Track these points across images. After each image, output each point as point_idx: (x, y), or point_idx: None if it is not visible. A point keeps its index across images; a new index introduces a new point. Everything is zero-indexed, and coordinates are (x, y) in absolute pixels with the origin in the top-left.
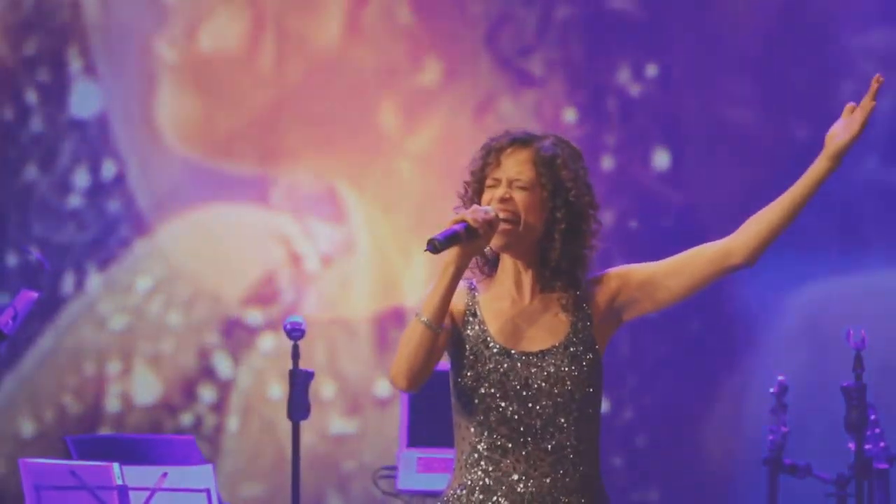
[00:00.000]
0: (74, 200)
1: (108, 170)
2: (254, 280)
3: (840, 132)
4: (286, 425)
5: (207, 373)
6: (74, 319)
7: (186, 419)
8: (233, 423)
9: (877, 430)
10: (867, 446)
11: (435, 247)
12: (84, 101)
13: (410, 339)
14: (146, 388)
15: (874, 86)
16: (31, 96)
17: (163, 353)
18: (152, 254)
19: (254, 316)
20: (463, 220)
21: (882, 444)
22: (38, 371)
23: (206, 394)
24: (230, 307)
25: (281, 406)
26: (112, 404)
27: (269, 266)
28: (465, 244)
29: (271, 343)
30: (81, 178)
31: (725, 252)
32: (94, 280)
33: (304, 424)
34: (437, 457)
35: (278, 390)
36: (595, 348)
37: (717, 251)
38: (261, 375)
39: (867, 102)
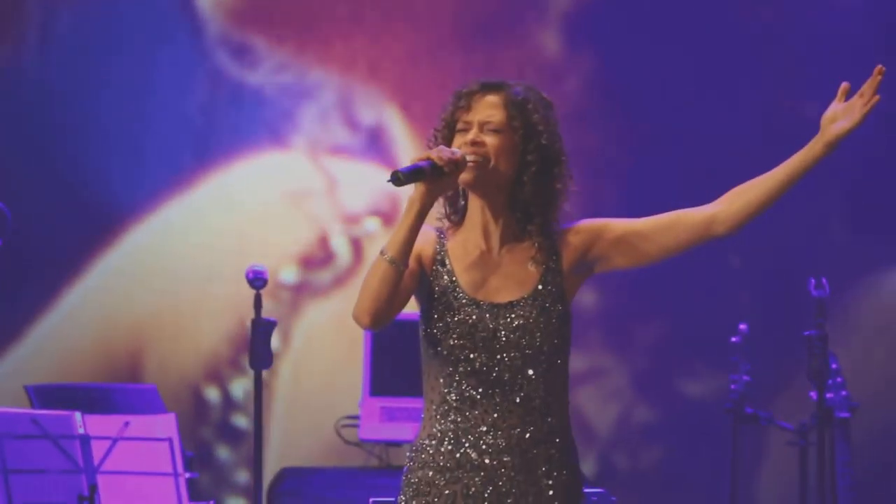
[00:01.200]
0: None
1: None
2: (305, 240)
3: (839, 118)
4: (332, 398)
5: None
6: (111, 281)
7: (236, 390)
8: (280, 393)
9: (839, 380)
10: (828, 395)
11: (398, 178)
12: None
13: (374, 277)
14: (189, 356)
15: (877, 78)
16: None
17: (205, 320)
18: (192, 211)
19: (302, 277)
20: (428, 158)
21: (843, 393)
22: (77, 334)
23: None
24: (277, 271)
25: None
26: (153, 372)
27: (321, 223)
28: (430, 182)
29: (323, 309)
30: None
31: (709, 221)
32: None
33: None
34: (400, 406)
35: (328, 359)
36: (564, 300)
37: (700, 219)
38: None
39: (870, 94)
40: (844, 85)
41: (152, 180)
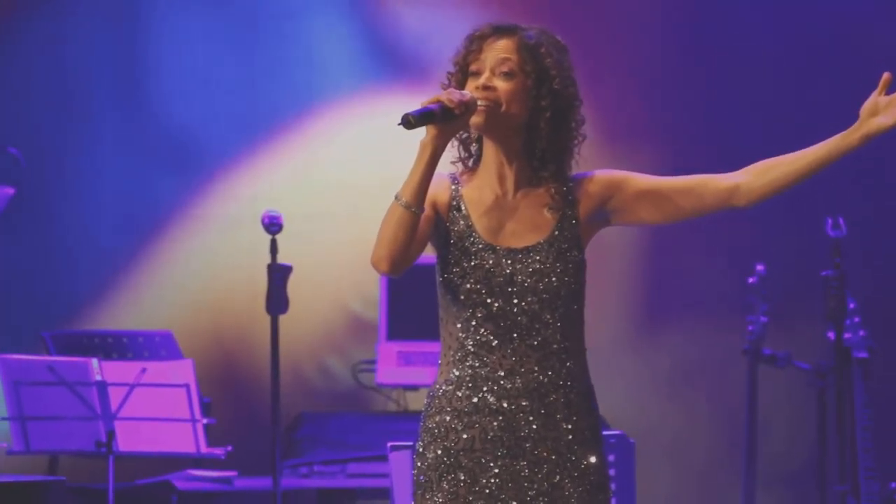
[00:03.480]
0: None
1: None
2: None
3: (880, 112)
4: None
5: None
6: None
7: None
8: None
9: (856, 319)
10: (846, 336)
11: (409, 122)
12: None
13: (390, 222)
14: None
15: None
16: None
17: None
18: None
19: None
20: (438, 101)
21: (861, 333)
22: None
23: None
24: None
25: None
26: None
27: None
28: (441, 124)
29: None
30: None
31: (732, 191)
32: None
33: None
34: (416, 350)
35: None
36: (580, 246)
37: (724, 188)
38: None
39: None
40: (886, 76)
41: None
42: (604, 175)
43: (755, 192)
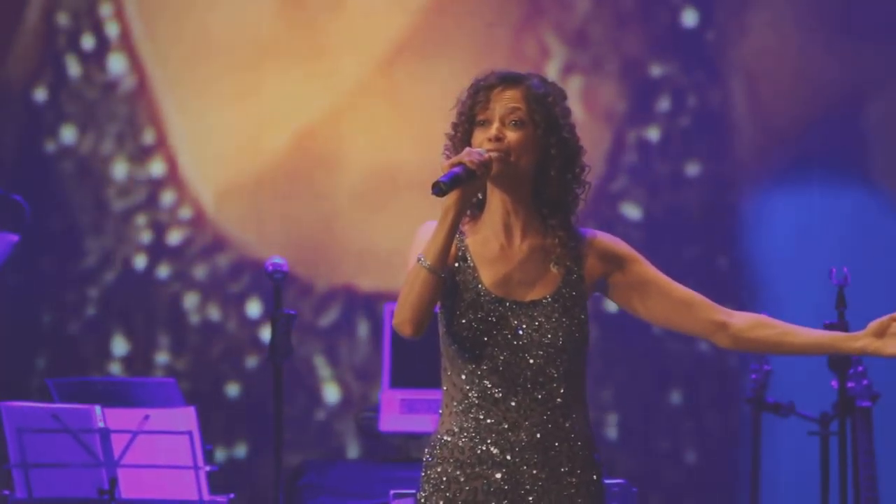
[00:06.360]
0: None
1: None
2: None
3: (889, 337)
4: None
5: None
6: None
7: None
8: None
9: (860, 368)
10: (850, 384)
11: (441, 189)
12: None
13: (414, 285)
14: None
15: None
16: None
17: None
18: None
19: None
20: (461, 163)
21: (865, 381)
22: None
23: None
24: None
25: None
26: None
27: None
28: (465, 186)
29: None
30: None
31: (719, 327)
32: None
33: None
34: (420, 398)
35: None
36: (583, 303)
37: (713, 321)
38: None
39: None
40: None
41: None
42: (615, 245)
43: (738, 341)
